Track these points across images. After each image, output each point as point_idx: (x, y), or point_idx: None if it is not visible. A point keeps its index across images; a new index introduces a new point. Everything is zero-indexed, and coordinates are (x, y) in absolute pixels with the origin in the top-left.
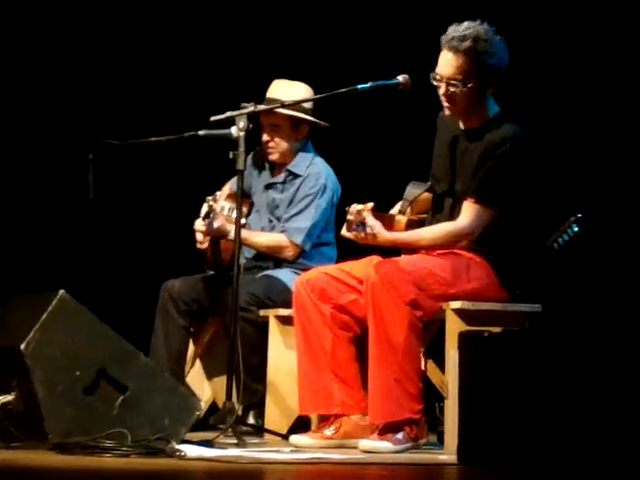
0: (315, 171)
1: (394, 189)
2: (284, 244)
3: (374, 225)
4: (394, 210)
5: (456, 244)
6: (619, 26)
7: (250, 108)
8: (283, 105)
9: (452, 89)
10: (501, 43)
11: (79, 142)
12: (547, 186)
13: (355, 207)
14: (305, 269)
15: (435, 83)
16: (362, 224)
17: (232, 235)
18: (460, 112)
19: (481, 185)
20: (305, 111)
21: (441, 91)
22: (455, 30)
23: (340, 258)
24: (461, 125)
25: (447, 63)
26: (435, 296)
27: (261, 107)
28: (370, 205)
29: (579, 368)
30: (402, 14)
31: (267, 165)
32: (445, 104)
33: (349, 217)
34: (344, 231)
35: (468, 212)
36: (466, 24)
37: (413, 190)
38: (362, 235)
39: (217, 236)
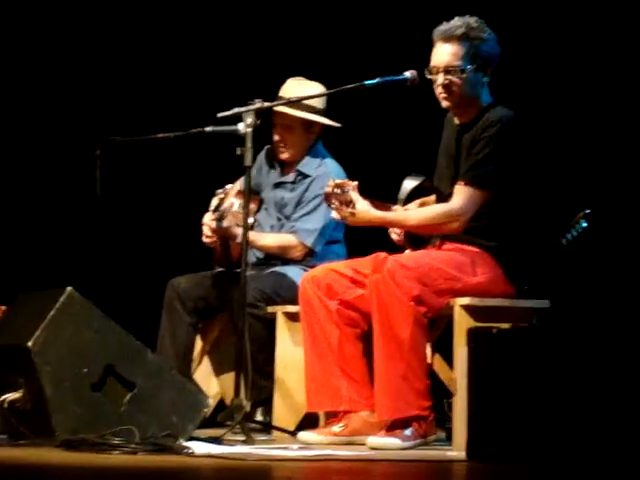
0: (325, 171)
1: None
2: (293, 244)
3: (356, 200)
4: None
5: (447, 225)
6: (617, 18)
7: (257, 105)
8: (290, 102)
9: (449, 77)
10: (492, 33)
11: (86, 139)
12: (556, 181)
13: (335, 181)
14: (314, 266)
15: (431, 77)
16: (346, 202)
17: (240, 239)
18: (457, 103)
19: (471, 167)
20: (317, 111)
21: (439, 81)
22: (445, 24)
23: (350, 255)
24: (456, 121)
25: (442, 53)
26: (440, 291)
27: (267, 104)
28: (354, 183)
29: (588, 364)
30: (413, 11)
31: (277, 164)
32: (442, 95)
33: (327, 189)
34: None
35: (459, 194)
36: (456, 18)
37: (407, 185)
38: (344, 211)
39: (225, 237)
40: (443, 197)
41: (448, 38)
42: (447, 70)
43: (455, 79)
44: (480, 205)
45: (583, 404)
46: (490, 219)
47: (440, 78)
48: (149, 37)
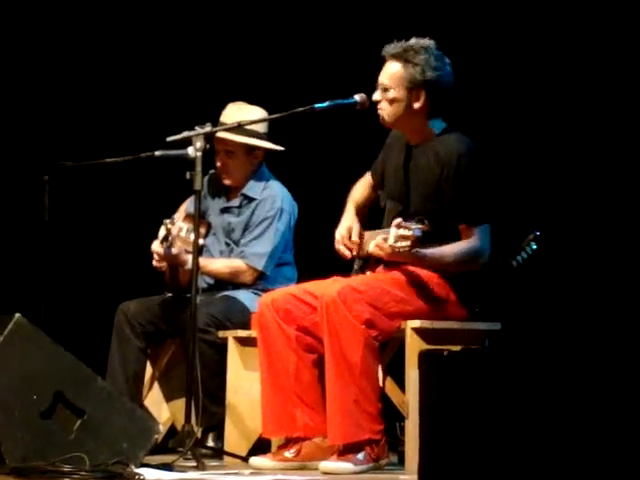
0: (271, 194)
1: None
2: (242, 269)
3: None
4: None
5: (476, 262)
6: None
7: (207, 128)
8: (239, 126)
9: (383, 95)
10: (439, 60)
11: (34, 164)
12: (505, 204)
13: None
14: (265, 290)
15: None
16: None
17: (189, 265)
18: (391, 123)
19: (464, 209)
20: (259, 135)
21: (373, 97)
22: (396, 43)
23: (300, 278)
24: (411, 141)
25: (383, 70)
26: (391, 314)
27: (216, 129)
28: (398, 220)
29: (539, 386)
30: (358, 34)
31: (222, 189)
32: (379, 112)
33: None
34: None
35: (473, 234)
36: (412, 40)
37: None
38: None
39: (174, 264)
40: (393, 215)
41: (388, 56)
42: (383, 88)
43: (385, 98)
44: (489, 237)
45: (535, 426)
46: (441, 242)
47: (376, 94)
48: (96, 63)
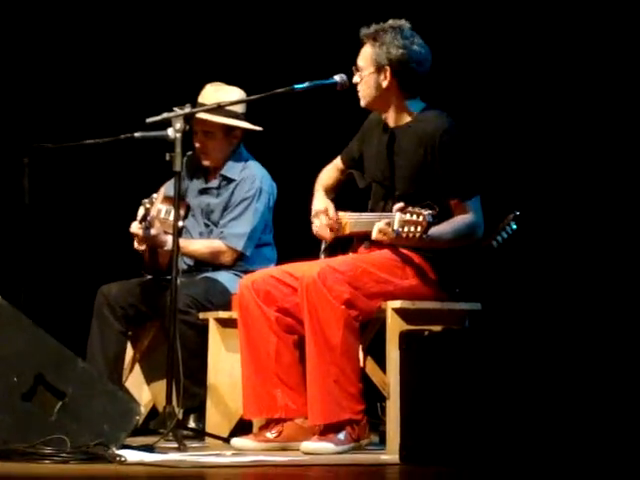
0: (250, 174)
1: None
2: (222, 249)
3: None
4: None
5: (473, 236)
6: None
7: (186, 110)
8: (220, 106)
9: (357, 78)
10: (410, 40)
11: (13, 146)
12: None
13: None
14: (245, 271)
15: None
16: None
17: (169, 246)
18: (368, 103)
19: (454, 184)
20: (237, 116)
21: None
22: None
23: (280, 259)
24: (390, 123)
25: (361, 52)
26: (371, 294)
27: (196, 110)
28: (400, 204)
29: (519, 366)
30: (339, 14)
31: (201, 170)
32: (359, 94)
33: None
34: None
35: (467, 208)
36: (389, 21)
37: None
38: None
39: (153, 245)
40: (378, 198)
41: (362, 38)
42: (358, 69)
43: (360, 79)
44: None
45: (514, 406)
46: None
47: (355, 77)
48: (75, 43)
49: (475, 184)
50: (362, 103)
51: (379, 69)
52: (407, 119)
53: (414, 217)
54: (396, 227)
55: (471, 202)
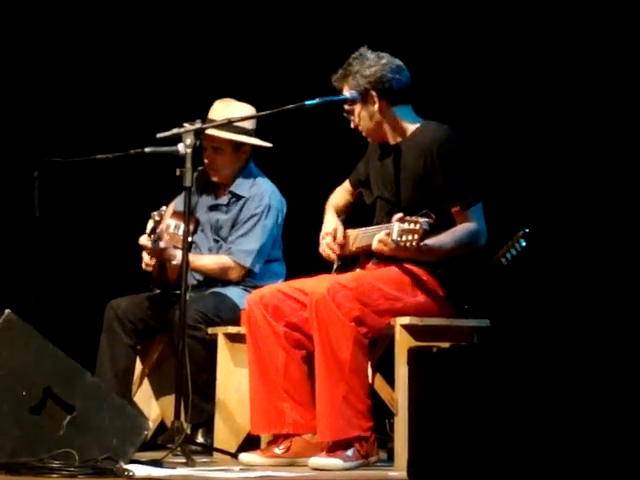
0: (259, 191)
1: None
2: (230, 265)
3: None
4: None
5: (476, 244)
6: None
7: (196, 125)
8: (229, 122)
9: (352, 118)
10: (375, 58)
11: (24, 160)
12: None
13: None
14: (254, 286)
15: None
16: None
17: (177, 260)
18: (373, 137)
19: (454, 192)
20: (247, 132)
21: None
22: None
23: (289, 274)
24: (391, 142)
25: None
26: (380, 311)
27: (206, 125)
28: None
29: (528, 383)
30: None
31: (211, 185)
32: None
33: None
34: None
35: (466, 217)
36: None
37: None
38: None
39: (162, 259)
40: (383, 211)
41: (337, 84)
42: (347, 113)
43: (356, 120)
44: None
45: (524, 423)
46: (434, 231)
47: (351, 123)
48: (87, 58)
49: (475, 192)
50: (370, 141)
51: (365, 98)
52: (407, 134)
53: (411, 226)
54: (395, 237)
55: (473, 210)
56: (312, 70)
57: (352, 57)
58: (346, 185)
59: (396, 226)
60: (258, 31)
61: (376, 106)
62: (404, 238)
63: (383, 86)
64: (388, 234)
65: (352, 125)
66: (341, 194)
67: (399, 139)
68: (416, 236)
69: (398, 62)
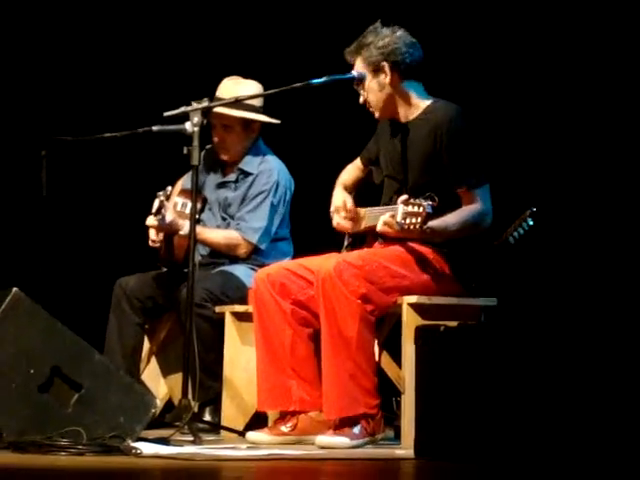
0: (267, 168)
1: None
2: (238, 242)
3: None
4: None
5: (482, 224)
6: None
7: (204, 104)
8: (237, 100)
9: (361, 97)
10: (389, 31)
11: (31, 139)
12: (501, 179)
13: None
14: (261, 265)
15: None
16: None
17: (185, 230)
18: (382, 113)
19: (462, 172)
20: (256, 109)
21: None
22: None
23: (296, 253)
24: (402, 119)
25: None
26: (387, 289)
27: (214, 104)
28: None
29: (535, 361)
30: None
31: (218, 163)
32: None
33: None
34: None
35: (472, 198)
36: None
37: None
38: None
39: (170, 232)
40: (391, 191)
41: (349, 57)
42: (358, 86)
43: (365, 93)
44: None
45: (530, 401)
46: (441, 213)
47: (360, 97)
48: (95, 37)
49: (482, 173)
50: (376, 115)
51: (376, 70)
52: (417, 112)
53: (415, 209)
54: (399, 219)
55: (479, 191)
56: (321, 46)
57: (367, 30)
58: (357, 162)
59: (400, 208)
60: (265, 8)
61: (387, 78)
62: (408, 221)
63: (396, 58)
64: (393, 216)
65: (361, 100)
66: (351, 171)
67: (409, 116)
68: (419, 219)
69: (412, 38)
